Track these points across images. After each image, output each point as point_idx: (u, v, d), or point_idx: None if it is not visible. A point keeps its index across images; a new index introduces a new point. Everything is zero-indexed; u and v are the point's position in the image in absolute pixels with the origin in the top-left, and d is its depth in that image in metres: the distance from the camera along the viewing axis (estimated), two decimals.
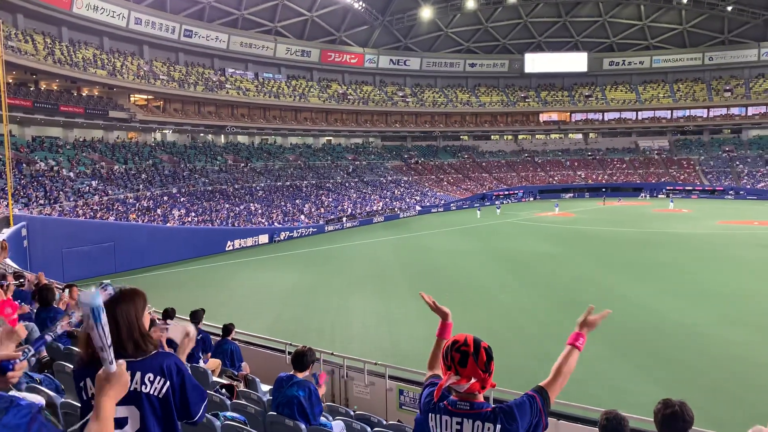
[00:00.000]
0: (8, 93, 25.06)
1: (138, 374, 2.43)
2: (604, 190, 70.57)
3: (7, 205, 25.39)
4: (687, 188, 69.33)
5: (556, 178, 75.10)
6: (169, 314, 8.49)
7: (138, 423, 2.43)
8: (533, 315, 17.93)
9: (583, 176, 75.12)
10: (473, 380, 2.42)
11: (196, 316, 8.65)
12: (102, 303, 1.99)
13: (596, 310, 2.76)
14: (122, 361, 2.12)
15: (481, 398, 2.48)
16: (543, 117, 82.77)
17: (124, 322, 2.43)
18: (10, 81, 39.03)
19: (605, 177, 74.57)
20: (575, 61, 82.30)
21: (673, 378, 12.69)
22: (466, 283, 23.32)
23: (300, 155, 65.69)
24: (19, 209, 27.83)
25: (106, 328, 2.00)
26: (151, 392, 2.44)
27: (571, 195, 71.69)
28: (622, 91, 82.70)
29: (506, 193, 69.82)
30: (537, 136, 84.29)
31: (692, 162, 75.10)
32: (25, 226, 24.35)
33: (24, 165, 36.43)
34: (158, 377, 2.46)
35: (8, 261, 16.27)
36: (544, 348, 14.28)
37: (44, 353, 4.65)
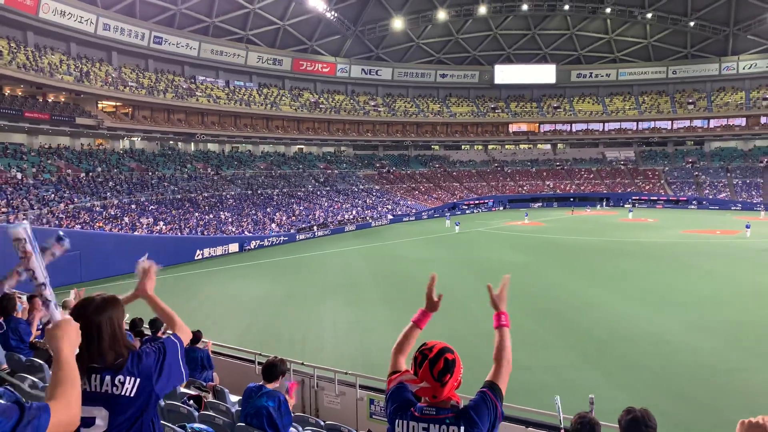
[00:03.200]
0: None
1: (108, 377, 2.42)
2: (572, 199, 71.76)
3: None
4: (652, 198, 70.92)
5: (525, 188, 76.06)
6: (136, 325, 8.32)
7: (106, 424, 2.41)
8: None
9: (551, 186, 76.27)
10: (424, 383, 2.50)
11: (155, 325, 8.45)
12: (32, 233, 1.95)
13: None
14: (67, 314, 2.10)
15: (449, 405, 2.53)
16: (512, 128, 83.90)
17: (107, 332, 2.41)
18: None
19: (573, 187, 75.83)
20: (544, 73, 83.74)
21: (641, 384, 12.91)
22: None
23: (271, 163, 65.29)
24: None
25: (42, 260, 1.95)
26: (123, 393, 2.42)
27: (540, 204, 72.69)
28: (589, 102, 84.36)
29: (476, 202, 70.45)
30: (507, 147, 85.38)
31: (657, 172, 76.89)
32: None
33: None
34: (128, 377, 2.44)
35: None
36: (514, 355, 14.36)
37: (4, 365, 4.51)
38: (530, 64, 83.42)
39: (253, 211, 48.93)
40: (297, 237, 45.33)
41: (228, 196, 51.49)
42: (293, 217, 50.11)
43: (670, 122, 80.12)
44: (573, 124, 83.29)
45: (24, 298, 7.69)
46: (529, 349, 15.22)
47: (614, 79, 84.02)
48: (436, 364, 2.49)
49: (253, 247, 40.21)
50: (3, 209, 31.12)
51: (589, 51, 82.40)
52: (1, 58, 41.55)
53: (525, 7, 72.93)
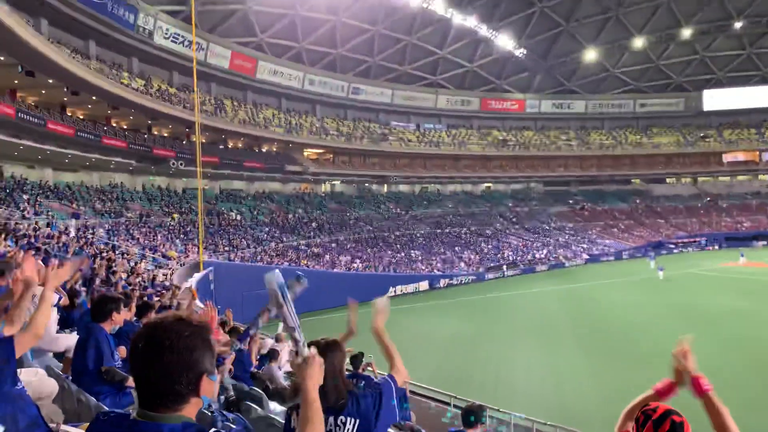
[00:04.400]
0: (201, 152, 28.51)
1: (331, 418, 2.58)
2: None
3: (198, 252, 28.40)
4: None
5: (745, 225, 67.19)
6: (356, 359, 8.72)
7: None
8: (721, 378, 15.81)
9: None
10: None
11: (355, 362, 8.76)
12: (284, 281, 2.09)
13: None
14: (314, 348, 2.23)
15: None
16: (727, 157, 75.00)
17: (330, 373, 2.55)
18: (204, 141, 44.25)
19: None
20: (764, 96, 74.09)
21: None
22: (639, 340, 21.41)
23: (459, 202, 66.05)
24: (208, 256, 30.95)
25: (292, 307, 2.09)
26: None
27: (765, 243, 63.52)
28: None
29: (686, 240, 63.85)
30: (720, 179, 76.52)
31: None
32: (212, 271, 26.92)
33: (212, 215, 40.74)
34: (349, 418, 2.59)
35: (198, 303, 17.99)
36: (739, 414, 12.49)
37: (231, 393, 5.01)
38: (746, 87, 74.47)
39: (442, 250, 49.66)
40: (486, 276, 44.88)
41: (418, 234, 52.99)
42: (481, 256, 49.85)
43: None
44: None
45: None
46: (753, 407, 13.15)
47: None
48: (661, 425, 2.22)
49: (442, 285, 40.64)
50: (225, 247, 35.37)
51: None
52: (227, 115, 47.92)
53: (738, 25, 65.71)
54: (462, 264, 46.82)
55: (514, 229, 61.11)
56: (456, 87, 70.86)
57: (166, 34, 42.73)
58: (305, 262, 37.54)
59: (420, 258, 45.93)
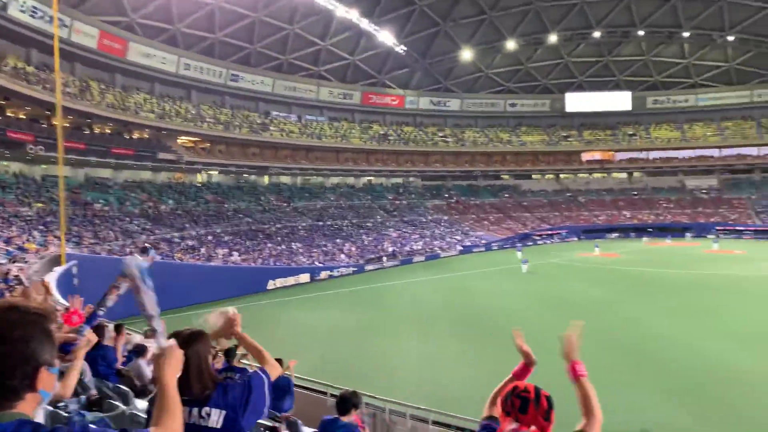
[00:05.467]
0: (64, 136, 26.15)
1: (195, 410, 2.48)
2: (650, 230, 68.71)
3: (59, 244, 26.21)
4: (738, 228, 66.89)
5: (600, 218, 73.66)
6: (230, 353, 8.42)
7: None
8: (584, 360, 17.28)
9: (628, 216, 73.46)
10: (533, 428, 2.39)
11: (230, 354, 8.51)
12: (146, 265, 2.01)
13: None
14: (172, 340, 2.16)
15: None
16: (586, 156, 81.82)
17: (194, 364, 2.46)
18: (67, 125, 40.79)
19: (651, 217, 72.74)
20: (618, 100, 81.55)
21: (721, 422, 12.02)
22: (508, 326, 22.73)
23: (341, 195, 66.39)
24: (70, 248, 28.66)
25: (153, 294, 2.01)
26: (209, 425, 2.48)
27: (617, 235, 70.04)
28: (667, 129, 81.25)
29: (549, 232, 68.75)
30: (580, 176, 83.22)
31: (743, 201, 72.65)
32: (75, 265, 24.96)
33: (76, 205, 37.76)
34: (214, 409, 2.50)
35: (59, 297, 16.61)
36: (600, 395, 13.67)
37: (93, 391, 4.68)
38: (604, 92, 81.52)
39: (323, 242, 49.67)
40: (366, 268, 45.52)
41: (299, 227, 52.57)
42: (362, 248, 50.49)
43: (756, 149, 75.82)
44: (650, 152, 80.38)
45: (111, 326, 8.01)
46: (609, 388, 14.44)
47: (693, 105, 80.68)
48: (540, 404, 2.39)
49: (323, 277, 40.67)
50: (91, 240, 32.95)
51: (666, 76, 79.69)
52: (93, 99, 44.57)
53: (597, 34, 71.59)
54: (343, 256, 47.13)
55: (394, 222, 62.49)
56: (338, 79, 71.03)
57: (23, 6, 38.86)
58: (179, 255, 35.93)
59: (301, 250, 45.60)
